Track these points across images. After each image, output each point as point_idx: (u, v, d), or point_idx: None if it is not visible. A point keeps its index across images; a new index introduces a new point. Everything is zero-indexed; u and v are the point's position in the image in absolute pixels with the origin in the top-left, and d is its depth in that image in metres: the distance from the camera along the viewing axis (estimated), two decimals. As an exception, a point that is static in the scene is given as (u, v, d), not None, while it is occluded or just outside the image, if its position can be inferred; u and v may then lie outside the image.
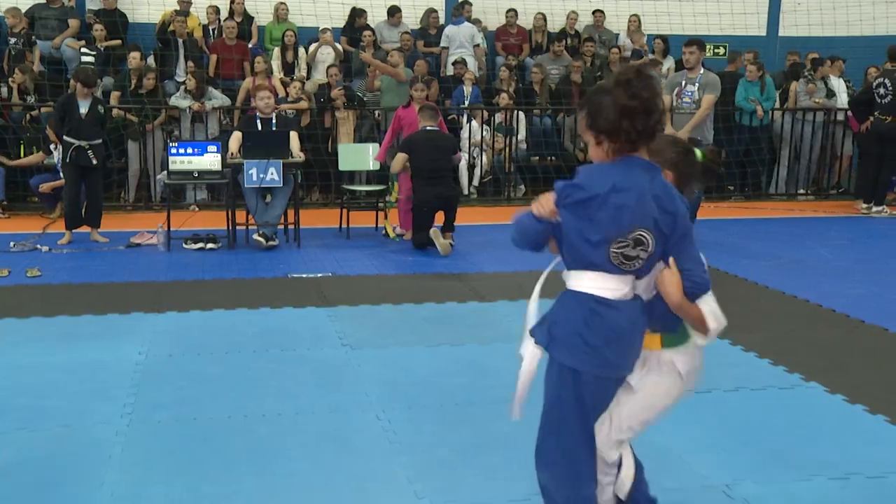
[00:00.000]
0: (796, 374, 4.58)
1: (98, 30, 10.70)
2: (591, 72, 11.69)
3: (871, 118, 9.96)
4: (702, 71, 8.23)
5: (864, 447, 3.69)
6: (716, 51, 12.97)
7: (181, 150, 7.89)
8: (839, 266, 7.28)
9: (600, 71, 11.89)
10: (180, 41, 10.75)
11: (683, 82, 8.20)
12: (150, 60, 10.87)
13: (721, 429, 3.86)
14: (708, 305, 2.52)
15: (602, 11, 12.55)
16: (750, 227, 9.28)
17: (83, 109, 7.62)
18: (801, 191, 11.44)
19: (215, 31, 11.35)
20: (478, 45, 11.69)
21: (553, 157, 11.19)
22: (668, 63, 11.98)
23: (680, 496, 3.09)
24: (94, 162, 7.67)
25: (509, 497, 3.20)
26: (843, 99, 11.25)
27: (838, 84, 11.36)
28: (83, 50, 10.62)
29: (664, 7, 12.56)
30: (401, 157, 7.83)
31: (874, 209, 9.96)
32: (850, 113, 11.00)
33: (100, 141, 7.76)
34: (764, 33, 13.29)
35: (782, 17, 13.30)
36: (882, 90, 9.76)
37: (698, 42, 8.34)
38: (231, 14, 11.33)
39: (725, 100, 10.74)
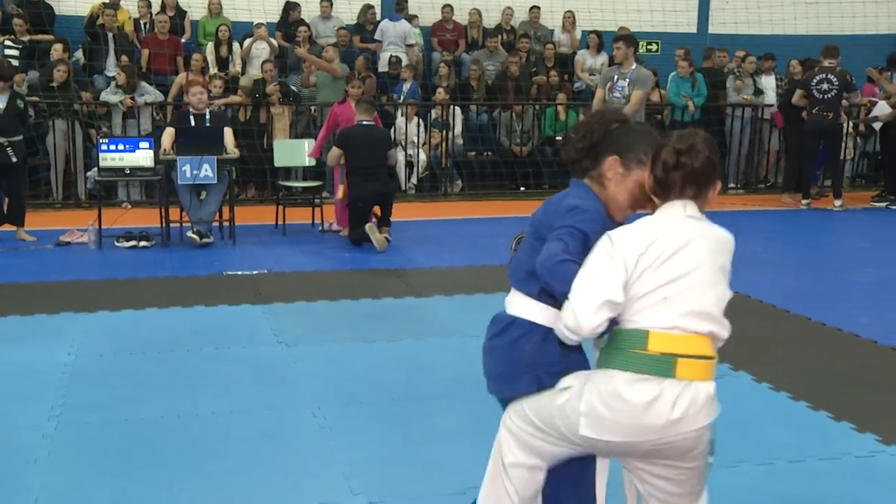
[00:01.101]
0: (725, 363, 4.67)
1: (19, 24, 10.39)
2: (526, 67, 11.79)
3: (809, 113, 10.05)
4: (633, 66, 8.36)
5: (786, 433, 3.81)
6: (648, 47, 13.19)
7: (112, 147, 7.73)
8: (766, 258, 7.48)
9: (535, 67, 12.01)
10: (110, 35, 10.53)
11: (616, 77, 8.33)
12: (79, 54, 10.63)
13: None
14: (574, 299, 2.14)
15: (538, 7, 12.66)
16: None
17: (0, 104, 7.40)
18: (731, 185, 11.71)
19: (147, 26, 11.14)
20: (411, 46, 11.67)
21: (489, 153, 11.27)
22: (602, 59, 12.14)
23: (609, 488, 3.14)
24: (14, 160, 7.43)
25: (443, 491, 3.22)
26: (770, 96, 11.53)
27: (768, 82, 11.63)
28: (7, 43, 10.31)
29: (597, 3, 12.71)
30: (336, 152, 7.81)
31: (836, 203, 10.12)
32: (773, 110, 11.27)
33: (20, 137, 7.53)
34: (694, 30, 13.56)
35: (711, 15, 13.59)
36: (826, 86, 9.87)
37: (625, 38, 8.47)
38: (163, 8, 11.14)
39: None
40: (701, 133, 2.30)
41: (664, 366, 2.13)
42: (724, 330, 2.22)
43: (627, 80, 8.24)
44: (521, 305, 2.38)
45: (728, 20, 13.26)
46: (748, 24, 13.16)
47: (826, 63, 9.98)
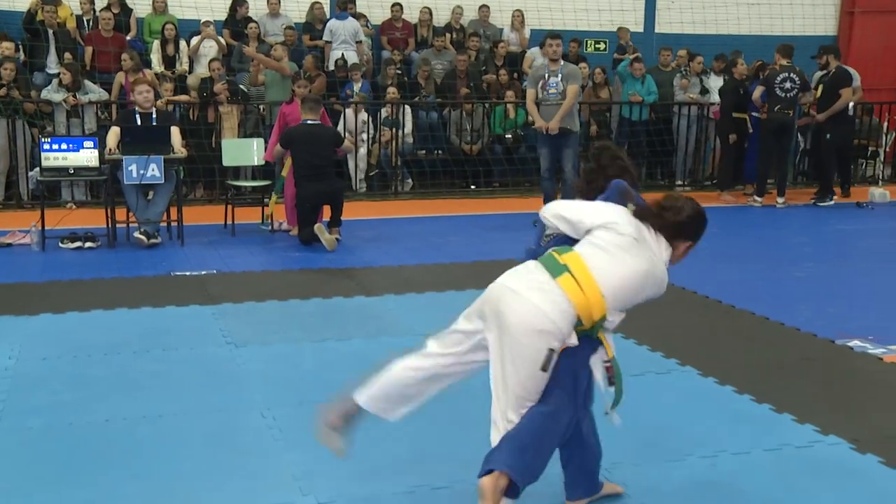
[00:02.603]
0: (673, 359, 4.76)
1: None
2: (475, 66, 11.83)
3: (769, 112, 10.16)
4: (562, 63, 8.55)
5: (731, 426, 3.88)
6: (597, 46, 13.33)
7: (55, 146, 7.59)
8: (713, 254, 7.59)
9: (485, 65, 12.05)
10: (51, 32, 10.32)
11: (546, 75, 8.49)
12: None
13: (602, 415, 3.97)
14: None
15: (487, 6, 12.70)
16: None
17: None
18: (679, 182, 11.88)
19: (90, 23, 10.95)
20: (360, 42, 11.64)
21: (440, 151, 11.28)
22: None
23: (560, 480, 3.18)
24: None
25: (394, 490, 3.23)
26: (716, 96, 11.71)
27: (716, 82, 11.78)
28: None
29: (546, 3, 12.81)
30: (279, 150, 7.83)
31: (779, 200, 10.31)
32: (714, 109, 11.43)
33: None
34: (641, 30, 13.72)
35: (658, 15, 13.77)
36: (789, 84, 10.02)
37: (562, 36, 8.72)
38: (108, 5, 10.95)
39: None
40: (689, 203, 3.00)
41: (557, 269, 2.79)
42: (612, 307, 2.83)
43: (560, 76, 8.42)
44: None
45: (674, 20, 13.45)
46: (693, 24, 13.37)
47: (784, 62, 10.14)
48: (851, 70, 10.76)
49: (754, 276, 6.88)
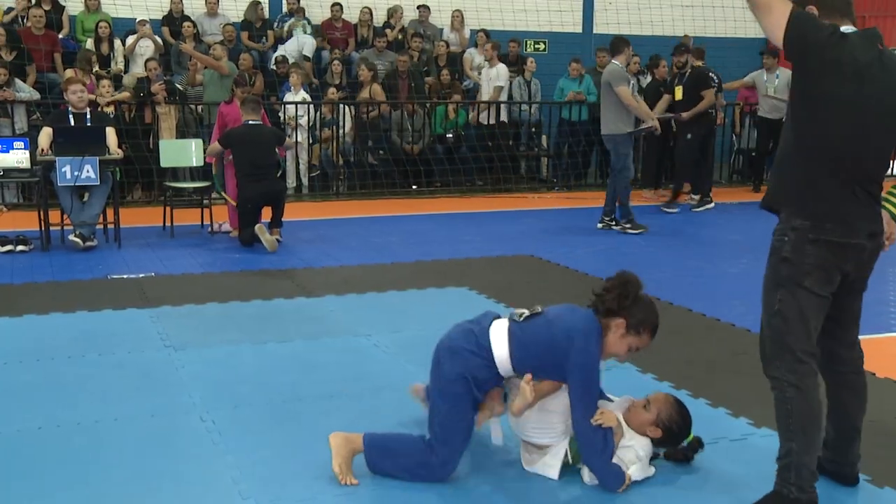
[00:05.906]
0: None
1: None
2: (417, 66, 11.84)
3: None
4: None
5: (668, 421, 3.94)
6: (536, 46, 13.45)
7: (-17, 147, 7.41)
8: (650, 252, 7.74)
9: (426, 66, 12.07)
10: (-24, 29, 10.06)
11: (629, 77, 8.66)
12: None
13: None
14: None
15: (427, 7, 12.72)
16: (570, 215, 9.69)
17: None
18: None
19: (22, 20, 10.68)
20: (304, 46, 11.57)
21: (381, 151, 11.27)
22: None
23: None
24: None
25: (334, 493, 3.22)
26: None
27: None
28: None
29: (485, 3, 12.88)
30: (216, 148, 7.75)
31: (693, 197, 10.49)
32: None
33: None
34: (580, 30, 13.89)
35: (595, 16, 13.95)
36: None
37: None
38: (38, 2, 10.70)
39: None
40: None
41: None
42: None
43: None
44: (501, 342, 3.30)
45: (611, 21, 13.64)
46: (630, 25, 13.56)
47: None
48: (713, 73, 10.64)
49: (690, 272, 7.01)
